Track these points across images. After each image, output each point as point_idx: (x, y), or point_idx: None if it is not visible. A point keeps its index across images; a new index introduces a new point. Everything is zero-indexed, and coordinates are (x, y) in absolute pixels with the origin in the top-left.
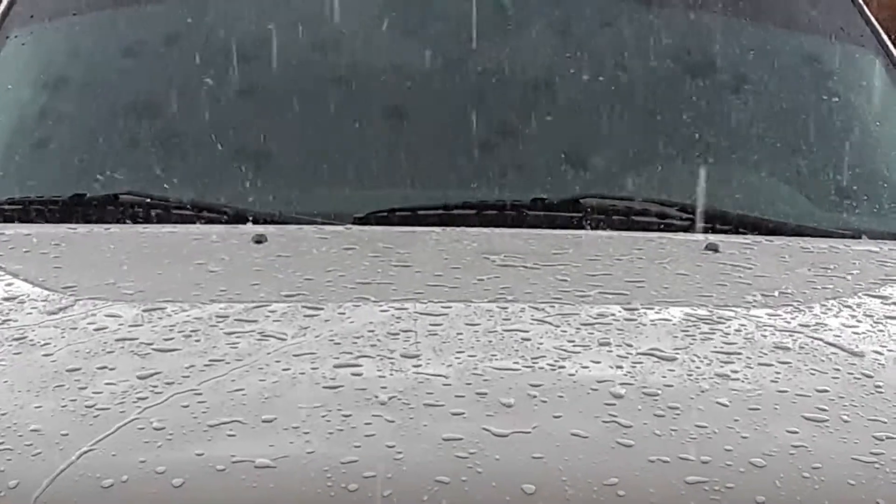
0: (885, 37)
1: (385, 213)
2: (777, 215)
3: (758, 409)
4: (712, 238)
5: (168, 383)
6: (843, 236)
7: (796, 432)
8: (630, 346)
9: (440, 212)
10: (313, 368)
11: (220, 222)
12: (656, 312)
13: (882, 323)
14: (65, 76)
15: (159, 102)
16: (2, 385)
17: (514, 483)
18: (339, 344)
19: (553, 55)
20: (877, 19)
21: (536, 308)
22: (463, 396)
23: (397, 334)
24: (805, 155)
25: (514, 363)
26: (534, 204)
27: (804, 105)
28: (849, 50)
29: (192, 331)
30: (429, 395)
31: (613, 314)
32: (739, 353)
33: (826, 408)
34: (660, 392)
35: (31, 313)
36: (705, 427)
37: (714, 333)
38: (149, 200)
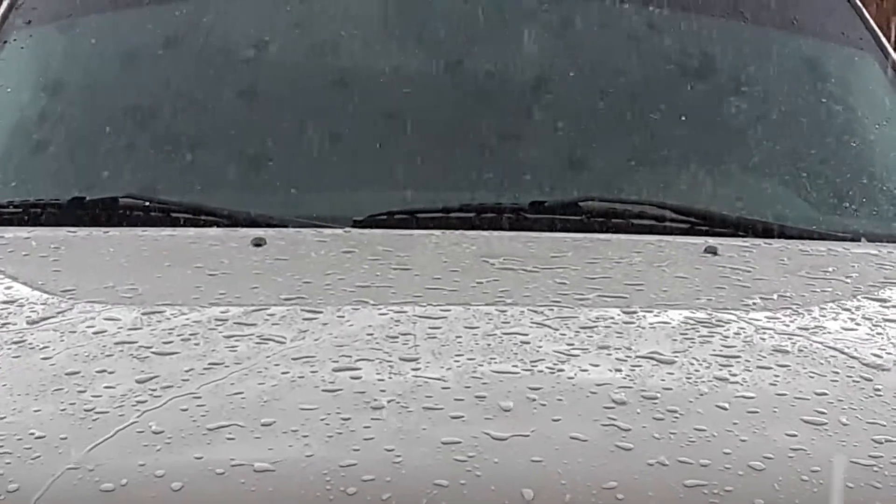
0: (883, 40)
1: (384, 216)
2: (776, 218)
3: (756, 412)
4: (711, 241)
5: (167, 387)
6: (842, 239)
7: (795, 435)
8: (629, 349)
9: (439, 215)
10: (312, 372)
11: (219, 225)
12: (655, 315)
13: (881, 326)
14: (64, 79)
15: (158, 106)
16: (1, 388)
17: (513, 486)
18: (338, 347)
19: (552, 58)
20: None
21: (535, 311)
22: (462, 400)
23: (396, 337)
24: (804, 158)
25: (513, 366)
26: (533, 207)
27: (803, 108)
28: (847, 53)
29: (191, 334)
30: (428, 398)
31: (612, 317)
32: (738, 357)
33: (825, 411)
34: (659, 395)
35: (30, 316)
36: (704, 430)
37: (713, 336)
38: (148, 204)
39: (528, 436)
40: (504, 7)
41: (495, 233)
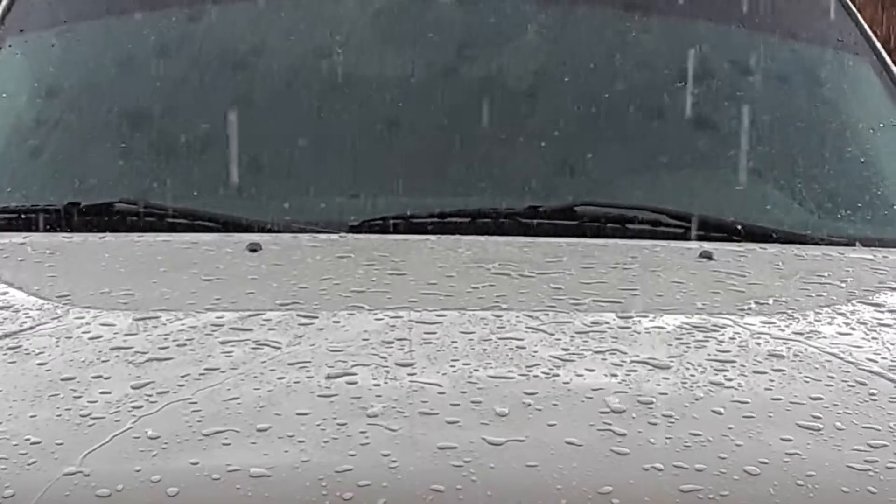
0: (878, 45)
1: (379, 221)
2: (771, 223)
3: (752, 416)
4: (706, 246)
5: (163, 392)
6: (837, 244)
7: (790, 440)
8: (624, 354)
9: (435, 220)
10: (308, 377)
11: (215, 231)
12: (651, 320)
13: (876, 330)
14: (59, 85)
15: (154, 111)
16: None
17: (508, 491)
18: (333, 352)
19: (547, 64)
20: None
21: (531, 316)
22: (458, 405)
23: (392, 343)
24: (798, 162)
25: (509, 371)
26: (528, 212)
27: (798, 113)
28: (842, 58)
29: (186, 340)
30: (423, 403)
31: (608, 322)
32: (733, 361)
33: (820, 415)
34: (654, 400)
35: (25, 322)
36: (699, 435)
37: (708, 341)
38: (143, 209)
39: (523, 441)
40: (499, 13)
41: (491, 238)
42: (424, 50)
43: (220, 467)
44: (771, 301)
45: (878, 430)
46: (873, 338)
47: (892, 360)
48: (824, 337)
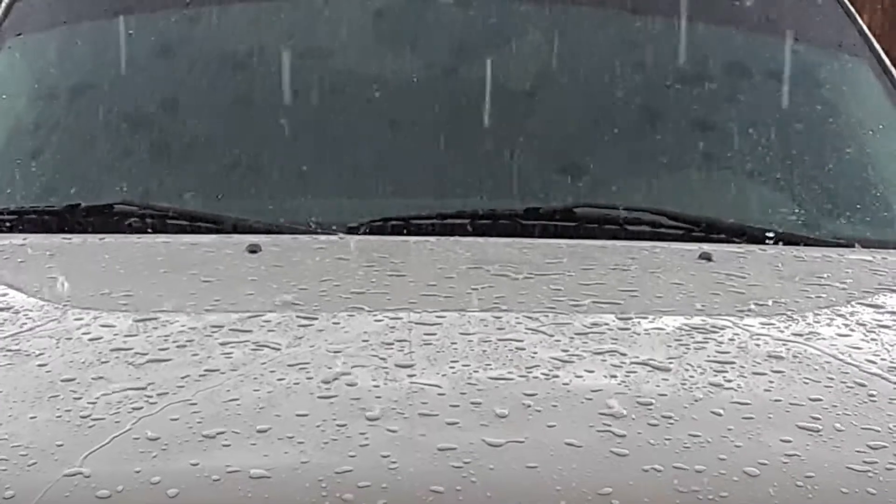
0: (877, 46)
1: (379, 223)
2: (770, 224)
3: (751, 418)
4: (706, 247)
5: (162, 393)
6: (837, 245)
7: (790, 441)
8: (624, 355)
9: (434, 221)
10: (308, 378)
11: (214, 232)
12: (650, 322)
13: (875, 332)
14: (59, 86)
15: (153, 112)
16: None
17: (508, 492)
18: (333, 354)
19: (547, 65)
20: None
21: (530, 317)
22: (457, 406)
23: (391, 344)
24: (798, 163)
25: (509, 373)
26: (528, 213)
27: (797, 114)
28: (841, 59)
29: (186, 341)
30: (423, 404)
31: (607, 324)
32: (733, 363)
33: (819, 417)
34: (653, 401)
35: (25, 323)
36: (699, 436)
37: (708, 343)
38: (143, 210)
39: (523, 442)
40: (499, 14)
41: (490, 239)
42: (423, 51)
43: (220, 468)
44: (770, 302)
45: (878, 431)
46: (873, 339)
47: (891, 362)
48: (824, 338)
